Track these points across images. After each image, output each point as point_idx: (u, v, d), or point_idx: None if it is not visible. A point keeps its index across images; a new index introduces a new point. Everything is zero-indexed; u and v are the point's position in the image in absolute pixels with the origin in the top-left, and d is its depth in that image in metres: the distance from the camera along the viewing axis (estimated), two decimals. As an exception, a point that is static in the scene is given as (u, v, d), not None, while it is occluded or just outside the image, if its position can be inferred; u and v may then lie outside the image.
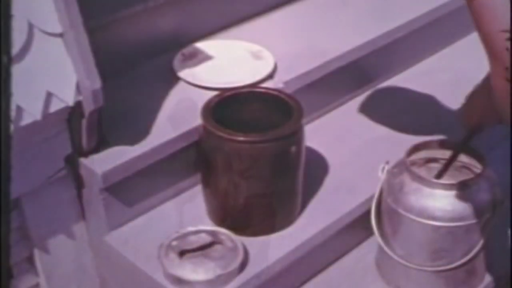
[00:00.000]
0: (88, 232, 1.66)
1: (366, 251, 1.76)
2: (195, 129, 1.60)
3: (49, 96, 1.41)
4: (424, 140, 1.68)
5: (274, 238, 1.60)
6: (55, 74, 1.42)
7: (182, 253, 1.50)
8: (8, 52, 1.15)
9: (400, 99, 2.04)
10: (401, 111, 1.99)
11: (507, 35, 1.13)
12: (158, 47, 1.89)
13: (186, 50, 1.90)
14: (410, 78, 2.12)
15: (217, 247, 1.53)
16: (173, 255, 1.50)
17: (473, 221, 1.56)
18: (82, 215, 1.64)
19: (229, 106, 1.60)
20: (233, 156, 1.52)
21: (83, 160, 1.56)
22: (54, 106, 1.42)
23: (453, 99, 2.04)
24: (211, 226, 1.60)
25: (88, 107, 1.45)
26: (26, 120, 1.39)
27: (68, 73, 1.42)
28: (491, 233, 1.59)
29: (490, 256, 1.69)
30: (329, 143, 1.86)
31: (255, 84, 1.75)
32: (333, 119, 1.98)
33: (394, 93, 2.06)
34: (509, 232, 1.74)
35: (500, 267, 1.72)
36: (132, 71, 1.84)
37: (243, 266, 1.52)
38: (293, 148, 1.55)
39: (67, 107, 1.44)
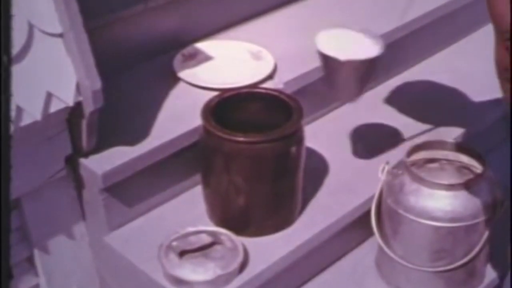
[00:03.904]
0: (88, 232, 1.66)
1: (366, 251, 1.76)
2: (195, 129, 1.60)
3: (49, 96, 1.40)
4: (424, 140, 1.68)
5: (274, 238, 1.60)
6: (55, 74, 1.42)
7: (182, 254, 1.50)
8: (8, 52, 1.15)
9: (401, 98, 2.03)
10: (401, 110, 1.99)
11: (507, 35, 1.13)
12: (158, 47, 1.89)
13: (186, 50, 1.90)
14: (410, 79, 2.12)
15: (217, 247, 1.53)
16: (173, 256, 1.50)
17: (473, 221, 1.56)
18: (82, 215, 1.64)
19: (229, 106, 1.60)
20: (233, 156, 1.52)
21: (83, 160, 1.55)
22: (54, 106, 1.42)
23: (452, 99, 2.05)
24: (211, 226, 1.60)
25: (88, 108, 1.45)
26: (26, 120, 1.39)
27: (68, 73, 1.42)
28: (491, 234, 1.59)
29: (490, 256, 1.69)
30: (329, 143, 1.86)
31: (255, 85, 1.75)
32: (333, 119, 1.98)
33: (395, 93, 2.06)
34: (509, 232, 1.74)
35: (500, 267, 1.72)
36: (132, 71, 1.83)
37: (243, 266, 1.51)
38: (293, 148, 1.55)
39: (67, 107, 1.44)
